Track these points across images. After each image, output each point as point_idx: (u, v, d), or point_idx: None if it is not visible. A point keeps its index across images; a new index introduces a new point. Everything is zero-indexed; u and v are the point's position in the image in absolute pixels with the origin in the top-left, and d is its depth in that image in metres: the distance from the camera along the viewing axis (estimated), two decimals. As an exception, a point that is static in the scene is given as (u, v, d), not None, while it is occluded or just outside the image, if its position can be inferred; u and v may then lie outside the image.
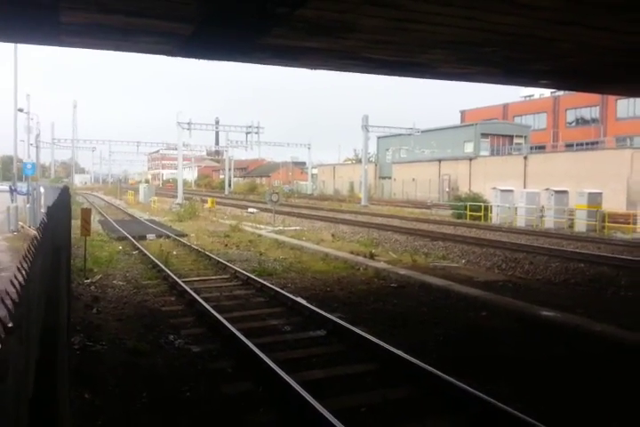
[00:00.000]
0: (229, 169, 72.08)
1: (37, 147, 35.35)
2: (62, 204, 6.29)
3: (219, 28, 7.99)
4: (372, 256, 13.67)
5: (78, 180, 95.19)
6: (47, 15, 7.47)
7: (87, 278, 10.93)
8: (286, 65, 11.48)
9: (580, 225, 23.19)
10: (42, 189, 19.67)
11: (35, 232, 14.62)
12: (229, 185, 71.27)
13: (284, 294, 9.31)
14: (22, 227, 20.27)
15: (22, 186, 25.02)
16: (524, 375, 5.85)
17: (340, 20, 7.53)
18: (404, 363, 5.89)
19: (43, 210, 18.86)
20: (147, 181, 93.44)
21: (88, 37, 9.04)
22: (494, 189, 28.15)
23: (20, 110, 23.46)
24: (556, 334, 7.28)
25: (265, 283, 10.27)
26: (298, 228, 22.28)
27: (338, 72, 12.02)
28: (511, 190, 27.68)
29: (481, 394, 4.90)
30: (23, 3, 7.01)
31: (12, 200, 21.35)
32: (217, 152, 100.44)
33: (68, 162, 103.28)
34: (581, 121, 52.65)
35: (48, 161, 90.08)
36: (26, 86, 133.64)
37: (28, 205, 21.79)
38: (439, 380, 5.35)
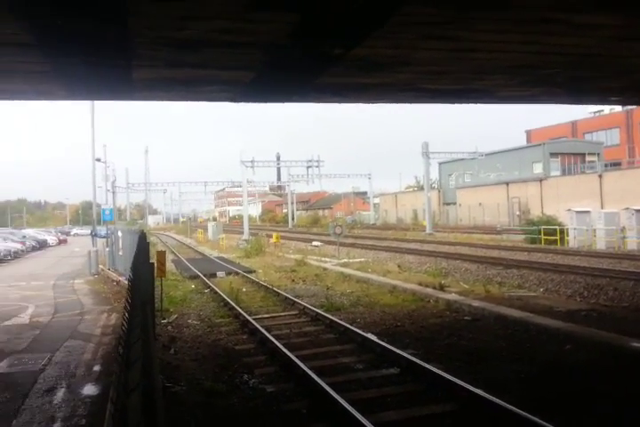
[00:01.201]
0: (292, 203, 73.32)
1: (114, 193, 37.59)
2: (143, 254, 6.62)
3: (277, 72, 8.30)
4: (441, 287, 13.30)
5: (151, 220, 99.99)
6: (121, 73, 8.07)
7: (164, 319, 11.30)
8: (343, 102, 11.70)
9: (668, 245, 21.60)
10: (119, 233, 20.76)
11: (113, 274, 15.32)
12: (292, 219, 72.32)
13: (353, 330, 9.20)
14: (102, 270, 21.38)
15: (101, 229, 26.59)
16: (615, 414, 5.40)
17: (393, 56, 7.62)
18: (485, 402, 5.60)
19: (120, 253, 19.86)
20: (214, 219, 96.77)
21: (157, 90, 9.65)
22: (569, 210, 26.89)
23: (98, 160, 25.17)
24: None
25: (334, 319, 10.20)
26: (363, 259, 22.14)
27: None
28: (588, 211, 26.34)
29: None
30: (99, 63, 7.61)
31: (93, 244, 22.65)
32: (279, 187, 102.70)
33: (141, 204, 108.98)
34: (658, 134, 49.72)
35: (123, 204, 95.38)
36: (101, 134, 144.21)
37: (107, 249, 23.03)
38: (523, 420, 5.03)
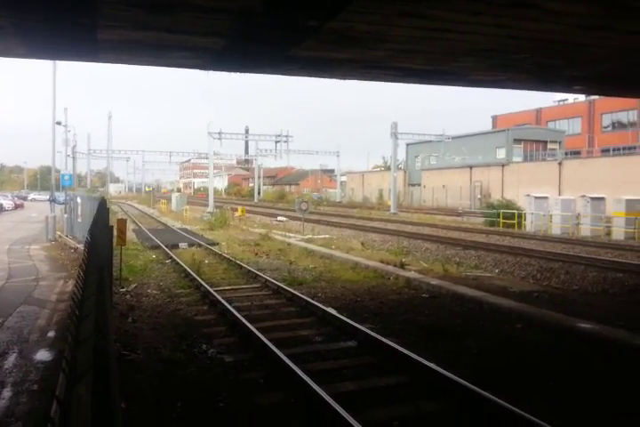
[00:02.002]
0: (259, 177, 72.78)
1: (74, 158, 36.44)
2: (102, 220, 6.48)
3: (250, 41, 8.12)
4: (402, 265, 13.57)
5: (113, 189, 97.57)
6: (85, 33, 7.73)
7: (123, 287, 11.17)
8: (315, 76, 11.56)
9: (618, 233, 22.54)
10: (79, 200, 20.22)
11: (71, 241, 14.97)
12: (259, 193, 71.91)
13: (314, 304, 9.32)
14: (60, 236, 20.87)
15: (60, 195, 25.84)
16: (560, 390, 5.71)
17: (369, 32, 7.55)
18: (437, 376, 5.81)
19: (79, 219, 19.39)
20: (179, 190, 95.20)
21: (123, 54, 9.31)
22: (528, 195, 27.64)
23: (59, 123, 24.27)
24: (594, 348, 7.08)
25: (295, 292, 10.30)
26: (327, 236, 22.30)
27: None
28: (546, 197, 27.12)
29: (516, 409, 4.80)
30: (63, 22, 7.27)
31: (51, 210, 22.02)
32: (247, 161, 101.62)
33: (103, 172, 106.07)
34: (618, 125, 51.30)
35: (84, 171, 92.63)
36: (63, 98, 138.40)
37: (65, 215, 22.44)
38: (473, 393, 5.26)
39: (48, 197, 24.60)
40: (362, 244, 19.59)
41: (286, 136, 48.05)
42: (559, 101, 59.31)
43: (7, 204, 43.70)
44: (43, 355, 6.91)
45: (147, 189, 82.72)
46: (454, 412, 5.15)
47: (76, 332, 1.99)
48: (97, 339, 1.87)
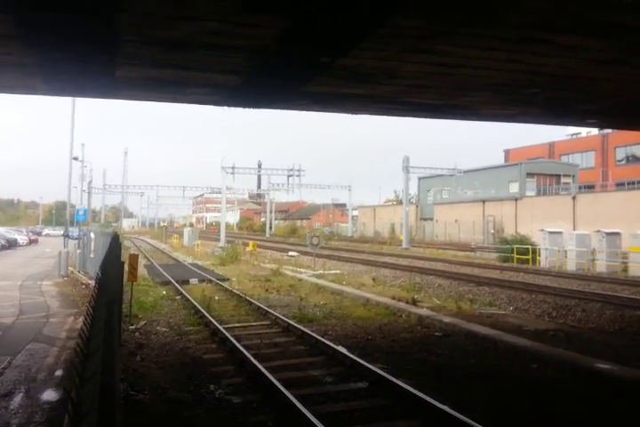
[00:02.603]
0: (270, 212, 73.07)
1: (89, 193, 36.95)
2: (114, 256, 6.44)
3: (264, 78, 8.26)
4: (414, 302, 13.29)
5: (126, 224, 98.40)
6: (104, 70, 7.92)
7: (132, 324, 11.02)
8: (327, 111, 11.71)
9: (635, 269, 22.02)
10: (92, 235, 20.31)
11: (83, 277, 14.94)
12: (270, 228, 72.00)
13: (324, 343, 9.08)
14: (72, 272, 20.87)
15: (74, 231, 26.02)
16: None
17: (380, 68, 7.65)
18: (451, 419, 5.54)
19: (92, 255, 19.42)
20: (191, 225, 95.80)
21: (141, 90, 9.51)
22: (542, 230, 27.28)
23: (75, 159, 24.72)
24: (613, 388, 6.75)
25: (305, 330, 10.07)
26: (338, 271, 22.08)
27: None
28: (560, 232, 26.75)
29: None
30: (82, 60, 7.46)
31: (64, 245, 22.13)
32: (259, 195, 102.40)
33: (117, 206, 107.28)
34: (632, 159, 51.07)
35: (98, 206, 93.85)
36: (80, 133, 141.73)
37: (78, 251, 22.51)
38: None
39: (62, 232, 24.76)
40: (373, 279, 19.33)
41: (298, 170, 48.50)
42: (572, 135, 59.46)
43: (22, 239, 44.08)
44: (49, 395, 6.74)
45: (161, 225, 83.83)
46: (473, 460, 4.87)
47: (82, 370, 1.89)
48: (103, 377, 1.77)
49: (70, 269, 21.13)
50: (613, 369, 7.31)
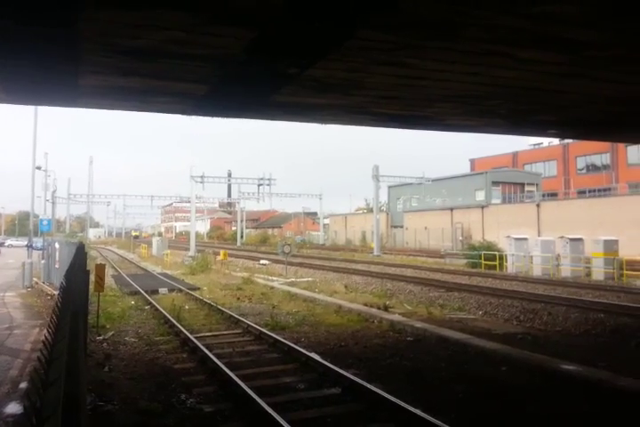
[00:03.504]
0: (241, 220, 72.65)
1: (53, 203, 36.10)
2: (79, 265, 6.35)
3: (231, 87, 8.31)
4: (386, 308, 13.44)
5: (92, 234, 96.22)
6: (66, 79, 7.84)
7: (100, 335, 10.82)
8: (296, 120, 11.82)
9: (598, 273, 22.74)
10: (57, 245, 19.86)
11: (48, 288, 14.58)
12: (241, 236, 71.55)
13: (297, 350, 9.11)
14: (37, 283, 20.34)
15: (38, 241, 25.37)
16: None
17: (347, 79, 7.80)
18: (423, 423, 5.64)
19: (57, 266, 18.98)
20: (159, 234, 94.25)
21: (105, 99, 9.42)
22: (508, 237, 27.91)
23: (38, 168, 24.17)
24: (578, 389, 6.98)
25: (278, 338, 10.08)
26: (310, 279, 22.11)
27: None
28: (525, 238, 27.41)
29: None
30: (43, 68, 7.38)
31: (28, 256, 21.56)
32: (229, 204, 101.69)
33: (82, 216, 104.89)
34: (592, 168, 52.84)
35: (63, 216, 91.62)
36: (43, 140, 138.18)
37: (42, 261, 21.96)
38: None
39: (25, 242, 24.11)
40: (345, 286, 19.43)
41: (269, 179, 48.43)
42: (535, 145, 61.18)
43: (-17, 250, 42.69)
44: (13, 408, 6.57)
45: (133, 233, 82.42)
46: (442, 461, 4.97)
47: (45, 377, 1.90)
48: (68, 386, 1.78)
49: (35, 279, 20.59)
50: (579, 370, 7.54)
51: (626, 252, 24.78)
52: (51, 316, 2.03)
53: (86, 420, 2.05)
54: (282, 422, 5.61)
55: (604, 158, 50.87)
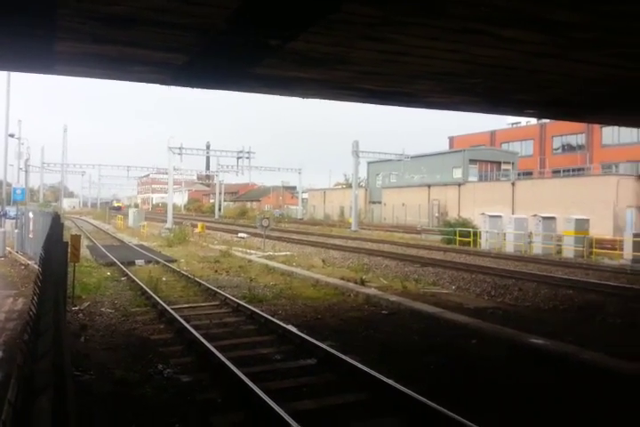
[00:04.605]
0: (220, 193, 72.16)
1: (27, 172, 35.28)
2: (56, 236, 6.31)
3: (212, 58, 8.16)
4: (362, 282, 13.67)
5: (67, 204, 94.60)
6: (42, 45, 7.60)
7: (75, 306, 10.80)
8: (277, 94, 11.68)
9: (568, 251, 23.38)
10: (30, 215, 19.52)
11: (22, 258, 14.41)
12: (219, 209, 71.19)
13: (274, 322, 9.26)
14: (10, 252, 20.05)
15: (10, 210, 24.88)
16: (512, 404, 5.84)
17: (330, 53, 7.73)
18: (395, 392, 5.86)
19: (31, 235, 18.71)
20: (136, 206, 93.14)
21: (81, 66, 9.17)
22: (483, 214, 28.39)
23: (11, 136, 23.51)
24: (545, 362, 7.29)
25: (255, 310, 10.21)
26: (288, 253, 22.25)
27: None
28: (500, 216, 27.92)
29: (470, 423, 4.88)
30: (18, 33, 7.13)
31: (1, 225, 21.17)
32: (207, 176, 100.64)
33: (56, 186, 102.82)
34: (567, 148, 53.65)
35: (37, 185, 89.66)
36: (17, 107, 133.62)
37: (16, 231, 21.61)
38: (429, 409, 5.32)
39: (-2, 212, 23.65)
40: (323, 261, 19.63)
41: (248, 152, 47.99)
42: (512, 124, 61.67)
43: (-48, 218, 41.71)
44: (-11, 377, 6.57)
45: (115, 204, 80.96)
46: (412, 428, 5.19)
47: (33, 348, 1.94)
48: (55, 357, 1.83)
49: (8, 249, 20.29)
50: (547, 344, 7.84)
51: (596, 231, 25.51)
52: (33, 288, 2.05)
53: (73, 388, 2.11)
54: (258, 391, 5.75)
55: (580, 139, 51.65)
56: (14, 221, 22.70)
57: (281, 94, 11.65)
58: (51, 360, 1.82)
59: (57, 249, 6.03)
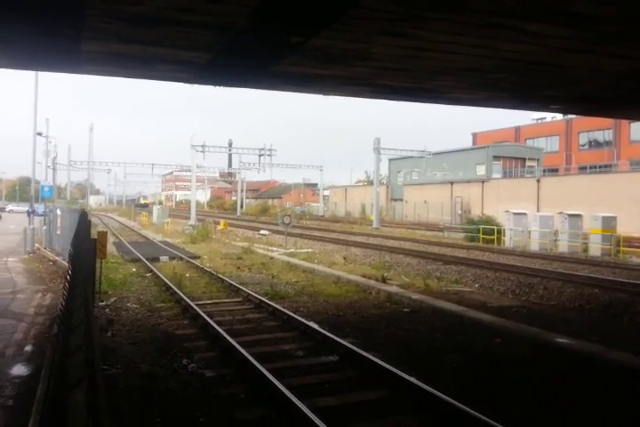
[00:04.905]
0: (242, 191, 72.63)
1: (54, 169, 36.04)
2: (84, 232, 6.44)
3: (233, 56, 8.22)
4: (384, 280, 13.63)
5: (93, 201, 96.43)
6: (69, 45, 7.75)
7: (102, 301, 11.02)
8: (299, 91, 11.70)
9: (595, 249, 22.93)
10: (58, 212, 19.95)
11: (50, 254, 14.75)
12: (241, 206, 71.69)
13: (296, 319, 9.30)
14: (38, 249, 20.53)
15: (39, 207, 25.46)
16: (537, 404, 5.77)
17: (351, 49, 7.71)
18: (417, 390, 5.84)
19: (58, 232, 19.12)
20: (160, 203, 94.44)
21: (107, 65, 9.33)
22: (507, 212, 28.02)
23: (39, 134, 24.03)
24: (571, 362, 7.18)
25: (277, 307, 10.27)
26: (309, 250, 22.31)
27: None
28: (524, 213, 27.51)
29: (495, 423, 4.84)
30: (46, 33, 7.28)
31: (30, 222, 21.68)
32: (229, 174, 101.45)
33: (83, 183, 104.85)
34: (594, 144, 52.54)
35: (64, 182, 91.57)
36: (44, 106, 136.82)
37: (44, 227, 22.11)
38: (451, 407, 5.29)
39: (27, 208, 24.20)
40: (344, 258, 19.63)
41: (270, 150, 48.22)
42: (537, 120, 60.62)
43: (-16, 215, 42.85)
44: (19, 370, 6.77)
45: (143, 202, 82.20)
46: (434, 426, 5.16)
47: (65, 342, 2.00)
48: (87, 351, 1.88)
49: (36, 245, 20.79)
50: (572, 344, 7.71)
51: (624, 229, 24.94)
52: (64, 284, 2.11)
53: (103, 383, 2.16)
54: (281, 387, 5.80)
55: (607, 135, 50.52)
56: (42, 218, 23.23)
57: (302, 92, 11.67)
58: (84, 354, 1.87)
59: (85, 245, 6.16)
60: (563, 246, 24.34)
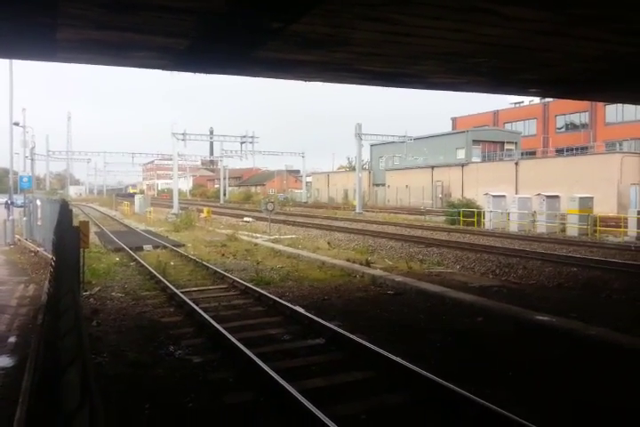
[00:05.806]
0: (224, 178, 72.17)
1: (32, 160, 35.37)
2: (66, 222, 6.41)
3: (213, 42, 8.14)
4: (367, 264, 13.80)
5: (73, 191, 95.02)
6: (44, 32, 7.60)
7: (86, 291, 10.98)
8: (279, 77, 11.65)
9: (572, 229, 23.41)
10: (38, 202, 19.68)
11: (31, 245, 14.58)
12: (224, 194, 71.31)
13: (282, 303, 9.41)
14: (19, 240, 20.28)
15: (18, 198, 25.05)
16: (520, 379, 5.98)
17: (331, 35, 7.69)
18: (403, 369, 6.00)
19: (39, 223, 18.89)
20: (141, 192, 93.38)
21: (83, 53, 9.16)
22: (487, 194, 28.37)
23: (16, 124, 23.54)
24: (552, 338, 7.41)
25: (263, 292, 10.36)
26: (294, 236, 22.39)
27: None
28: (503, 196, 27.90)
29: (478, 399, 5.02)
30: (20, 21, 7.14)
31: (9, 213, 21.36)
32: (211, 162, 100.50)
33: (62, 174, 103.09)
34: (571, 126, 53.21)
35: (43, 173, 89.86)
36: (20, 95, 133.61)
37: (24, 219, 21.81)
38: (437, 385, 5.46)
39: (5, 199, 23.82)
40: (328, 243, 19.76)
41: (252, 137, 47.85)
42: (515, 104, 61.06)
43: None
44: (3, 361, 6.76)
45: (131, 191, 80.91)
46: (419, 403, 5.33)
47: (54, 327, 2.04)
48: (75, 335, 1.93)
49: (17, 236, 20.54)
50: (552, 321, 7.95)
51: (600, 209, 25.50)
52: (50, 271, 2.15)
53: (92, 366, 2.20)
54: (268, 370, 5.90)
55: (583, 117, 51.18)
56: (22, 209, 22.88)
57: (283, 78, 11.62)
58: (75, 337, 1.92)
59: (68, 235, 6.14)
60: (541, 227, 24.80)
